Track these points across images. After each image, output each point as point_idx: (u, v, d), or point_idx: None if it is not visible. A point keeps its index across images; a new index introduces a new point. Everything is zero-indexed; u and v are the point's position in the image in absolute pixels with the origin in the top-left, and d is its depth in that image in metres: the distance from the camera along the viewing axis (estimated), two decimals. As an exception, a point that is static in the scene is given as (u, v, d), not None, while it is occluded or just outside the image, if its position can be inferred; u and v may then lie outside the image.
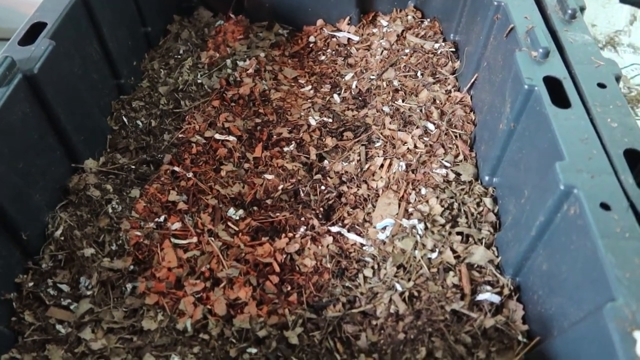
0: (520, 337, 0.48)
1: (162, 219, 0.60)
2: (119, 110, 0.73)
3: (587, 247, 0.41)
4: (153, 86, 0.78)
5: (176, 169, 0.66)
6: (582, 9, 0.63)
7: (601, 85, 0.53)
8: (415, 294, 0.53)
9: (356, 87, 0.80)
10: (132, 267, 0.55)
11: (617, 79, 0.54)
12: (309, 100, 0.79)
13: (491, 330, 0.49)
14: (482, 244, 0.57)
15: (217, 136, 0.71)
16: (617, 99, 0.51)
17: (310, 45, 0.90)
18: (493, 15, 0.66)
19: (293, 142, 0.72)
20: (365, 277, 0.56)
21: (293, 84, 0.83)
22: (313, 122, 0.74)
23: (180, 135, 0.71)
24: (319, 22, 0.91)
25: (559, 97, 0.52)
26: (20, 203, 0.52)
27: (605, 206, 0.42)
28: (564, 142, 0.47)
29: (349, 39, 0.89)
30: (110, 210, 0.59)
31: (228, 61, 0.83)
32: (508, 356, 0.47)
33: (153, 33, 0.85)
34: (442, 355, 0.47)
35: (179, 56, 0.84)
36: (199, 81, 0.79)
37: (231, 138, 0.71)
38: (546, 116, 0.50)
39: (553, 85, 0.53)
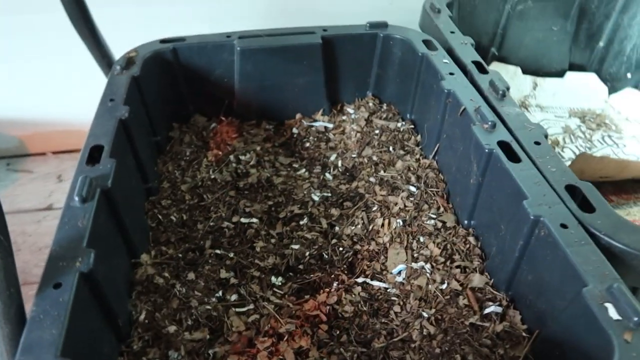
0: (524, 334, 0.65)
1: (220, 293, 0.71)
2: (152, 210, 0.85)
3: (559, 255, 0.59)
4: (174, 185, 0.91)
5: (218, 251, 0.78)
6: (508, 89, 0.87)
7: (537, 143, 0.74)
8: (439, 317, 0.68)
9: (342, 165, 0.98)
10: (208, 336, 0.66)
11: (546, 136, 0.76)
12: (306, 181, 0.95)
13: (502, 333, 0.65)
14: (477, 271, 0.74)
15: (243, 220, 0.84)
16: (549, 152, 0.72)
17: (295, 136, 1.07)
18: (445, 100, 0.87)
19: (305, 216, 0.87)
20: (395, 313, 0.70)
21: (289, 168, 0.99)
22: (316, 198, 0.90)
23: (211, 224, 0.83)
24: (298, 115, 1.10)
25: (511, 155, 0.72)
26: (114, 295, 0.62)
27: (564, 226, 0.61)
28: (525, 186, 0.66)
29: (325, 127, 1.08)
30: (177, 293, 0.70)
31: (231, 157, 0.98)
32: (519, 349, 0.63)
33: (161, 141, 0.99)
34: (473, 357, 0.62)
35: (187, 157, 0.98)
36: (213, 177, 0.93)
37: (254, 220, 0.85)
38: (507, 170, 0.69)
39: (504, 147, 0.73)
